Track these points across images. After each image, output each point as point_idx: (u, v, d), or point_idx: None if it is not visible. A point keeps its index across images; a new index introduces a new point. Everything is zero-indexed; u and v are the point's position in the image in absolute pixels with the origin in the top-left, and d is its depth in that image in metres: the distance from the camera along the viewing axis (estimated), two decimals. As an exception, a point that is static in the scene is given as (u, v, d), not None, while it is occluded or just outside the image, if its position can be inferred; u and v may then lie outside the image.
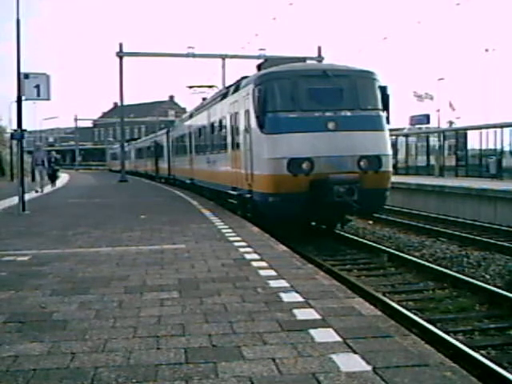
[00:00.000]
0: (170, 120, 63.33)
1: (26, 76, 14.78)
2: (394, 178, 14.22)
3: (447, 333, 6.66)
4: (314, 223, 14.28)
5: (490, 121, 43.64)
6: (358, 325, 4.66)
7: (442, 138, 30.43)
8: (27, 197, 15.37)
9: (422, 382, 3.52)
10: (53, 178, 28.77)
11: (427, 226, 16.04)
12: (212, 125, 18.05)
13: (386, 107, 12.81)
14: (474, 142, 28.30)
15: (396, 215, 19.35)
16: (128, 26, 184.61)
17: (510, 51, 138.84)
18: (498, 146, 25.76)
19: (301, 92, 12.35)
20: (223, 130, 16.27)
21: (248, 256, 7.86)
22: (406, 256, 11.37)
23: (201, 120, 20.45)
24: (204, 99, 25.16)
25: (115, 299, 5.60)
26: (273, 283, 6.18)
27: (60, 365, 3.87)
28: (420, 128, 43.09)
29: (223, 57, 33.64)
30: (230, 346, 4.18)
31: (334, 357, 3.92)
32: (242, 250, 8.39)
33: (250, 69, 35.19)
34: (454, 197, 20.08)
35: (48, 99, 15.34)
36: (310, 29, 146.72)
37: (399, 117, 78.64)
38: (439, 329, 6.79)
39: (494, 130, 26.03)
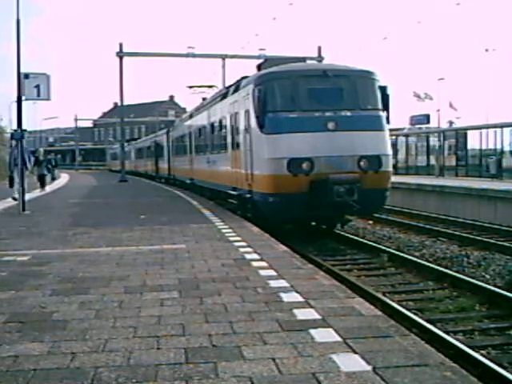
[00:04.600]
0: (170, 120, 63.28)
1: (26, 76, 14.77)
2: (393, 178, 14.22)
3: (447, 333, 6.67)
4: (314, 223, 14.29)
5: (490, 121, 43.72)
6: (358, 325, 4.66)
7: (441, 138, 30.43)
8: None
9: (422, 382, 3.52)
10: (43, 180, 25.17)
11: (427, 226, 16.04)
12: (212, 125, 18.05)
13: (386, 107, 12.81)
14: (474, 141, 28.35)
15: (396, 215, 19.36)
16: (128, 26, 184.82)
17: (510, 51, 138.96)
18: (498, 146, 25.77)
19: (301, 92, 12.35)
20: (223, 130, 16.28)
21: (248, 256, 7.87)
22: (406, 256, 11.37)
23: (201, 120, 20.46)
24: (204, 99, 25.17)
25: (115, 299, 5.60)
26: (273, 283, 6.18)
27: (60, 365, 3.87)
28: (420, 128, 43.09)
29: (223, 57, 33.61)
30: (230, 346, 4.19)
31: (334, 357, 3.93)
32: (242, 249, 8.39)
33: (250, 69, 35.15)
34: (454, 197, 20.08)
35: (48, 99, 15.33)
36: (310, 29, 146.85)
37: (399, 117, 78.71)
38: (439, 329, 6.79)
39: (494, 129, 26.03)
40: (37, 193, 22.98)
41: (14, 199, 17.09)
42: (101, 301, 5.56)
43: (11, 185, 17.79)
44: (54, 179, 31.85)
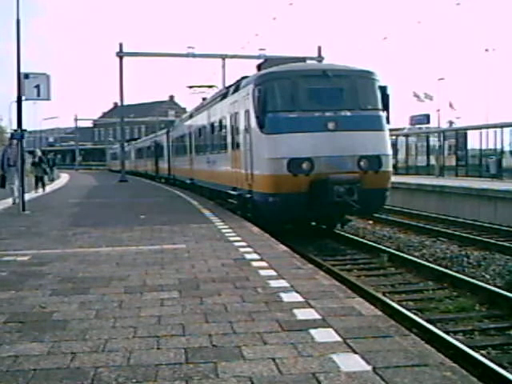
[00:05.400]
0: (170, 120, 63.26)
1: (26, 76, 14.76)
2: (393, 178, 14.22)
3: (447, 333, 6.66)
4: (314, 223, 14.29)
5: (490, 121, 43.72)
6: (358, 325, 4.66)
7: (441, 138, 30.44)
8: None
9: (422, 382, 3.52)
10: (41, 180, 24.34)
11: (427, 226, 16.04)
12: (212, 125, 18.05)
13: (386, 107, 12.81)
14: (474, 141, 28.37)
15: (396, 215, 19.35)
16: (128, 26, 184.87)
17: (510, 51, 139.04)
18: (498, 146, 25.78)
19: (301, 92, 12.35)
20: (223, 130, 16.28)
21: (248, 256, 7.87)
22: (406, 256, 11.37)
23: (201, 120, 20.46)
24: (204, 99, 25.17)
25: (115, 299, 5.60)
26: (273, 283, 6.18)
27: (60, 365, 3.87)
28: (420, 128, 43.10)
29: (223, 57, 33.61)
30: (230, 346, 4.18)
31: (334, 357, 3.93)
32: (242, 249, 8.39)
33: (250, 69, 35.16)
34: (454, 197, 20.08)
35: (48, 99, 15.31)
36: (310, 29, 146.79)
37: (399, 117, 78.88)
38: (439, 329, 6.79)
39: (494, 129, 26.04)
40: (33, 194, 22.21)
41: (14, 202, 16.54)
42: (101, 301, 5.56)
43: (3, 185, 17.32)
44: (52, 180, 31.45)
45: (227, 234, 10.05)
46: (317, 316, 4.91)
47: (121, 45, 32.26)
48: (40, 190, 23.99)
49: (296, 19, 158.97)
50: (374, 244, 12.78)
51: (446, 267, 10.59)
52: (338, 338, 4.31)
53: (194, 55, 33.21)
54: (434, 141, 31.56)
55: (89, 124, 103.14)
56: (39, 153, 26.46)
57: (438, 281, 9.49)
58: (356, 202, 11.71)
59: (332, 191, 11.61)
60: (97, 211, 15.64)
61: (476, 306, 8.06)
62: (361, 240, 13.34)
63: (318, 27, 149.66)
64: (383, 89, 12.90)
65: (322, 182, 11.69)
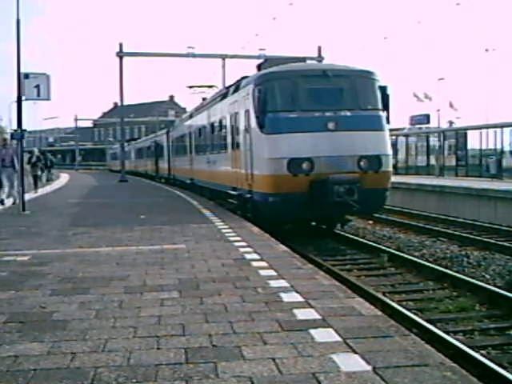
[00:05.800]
0: (170, 120, 63.28)
1: (26, 76, 14.75)
2: (393, 178, 14.22)
3: (447, 333, 6.66)
4: (314, 223, 14.29)
5: (490, 121, 43.71)
6: (358, 325, 4.66)
7: (441, 138, 30.43)
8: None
9: (422, 382, 3.52)
10: (37, 180, 24.17)
11: (427, 226, 16.03)
12: (212, 125, 18.05)
13: (386, 107, 12.81)
14: (474, 141, 28.36)
15: (396, 215, 19.35)
16: (128, 26, 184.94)
17: (510, 51, 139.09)
18: (498, 146, 25.77)
19: (301, 92, 12.35)
20: (223, 130, 16.28)
21: (248, 256, 7.86)
22: (406, 256, 11.37)
23: (201, 120, 20.46)
24: (204, 99, 25.16)
25: (115, 299, 5.60)
26: (273, 283, 6.18)
27: (60, 365, 3.87)
28: (420, 128, 43.08)
29: (223, 57, 33.61)
30: (230, 346, 4.18)
31: (334, 357, 3.92)
32: (242, 249, 8.39)
33: (250, 69, 35.17)
34: (454, 197, 20.08)
35: (48, 99, 15.31)
36: (310, 29, 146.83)
37: (399, 117, 78.95)
38: (439, 329, 6.79)
39: (494, 129, 26.03)
40: (32, 194, 22.05)
41: (1, 203, 16.77)
42: (101, 301, 5.56)
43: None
44: (48, 180, 31.28)
45: (227, 234, 10.05)
46: (317, 316, 4.91)
47: (121, 45, 32.25)
48: (39, 190, 24.00)
49: (296, 19, 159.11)
50: (374, 244, 12.78)
51: (446, 267, 10.59)
52: (338, 338, 4.31)
53: (194, 55, 33.21)
54: (434, 141, 31.55)
55: (89, 124, 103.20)
56: (37, 152, 26.51)
57: (437, 281, 9.49)
58: (356, 202, 11.71)
59: (332, 191, 11.61)
60: (97, 211, 15.64)
61: (476, 305, 8.06)
62: (361, 240, 13.34)
63: (318, 27, 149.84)
64: (383, 89, 12.89)
65: (322, 182, 11.69)
